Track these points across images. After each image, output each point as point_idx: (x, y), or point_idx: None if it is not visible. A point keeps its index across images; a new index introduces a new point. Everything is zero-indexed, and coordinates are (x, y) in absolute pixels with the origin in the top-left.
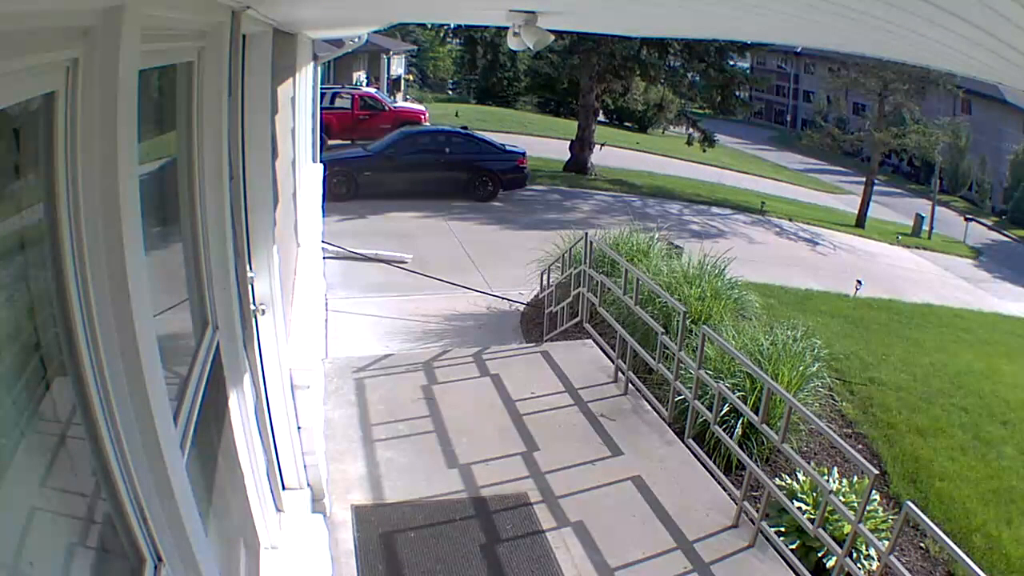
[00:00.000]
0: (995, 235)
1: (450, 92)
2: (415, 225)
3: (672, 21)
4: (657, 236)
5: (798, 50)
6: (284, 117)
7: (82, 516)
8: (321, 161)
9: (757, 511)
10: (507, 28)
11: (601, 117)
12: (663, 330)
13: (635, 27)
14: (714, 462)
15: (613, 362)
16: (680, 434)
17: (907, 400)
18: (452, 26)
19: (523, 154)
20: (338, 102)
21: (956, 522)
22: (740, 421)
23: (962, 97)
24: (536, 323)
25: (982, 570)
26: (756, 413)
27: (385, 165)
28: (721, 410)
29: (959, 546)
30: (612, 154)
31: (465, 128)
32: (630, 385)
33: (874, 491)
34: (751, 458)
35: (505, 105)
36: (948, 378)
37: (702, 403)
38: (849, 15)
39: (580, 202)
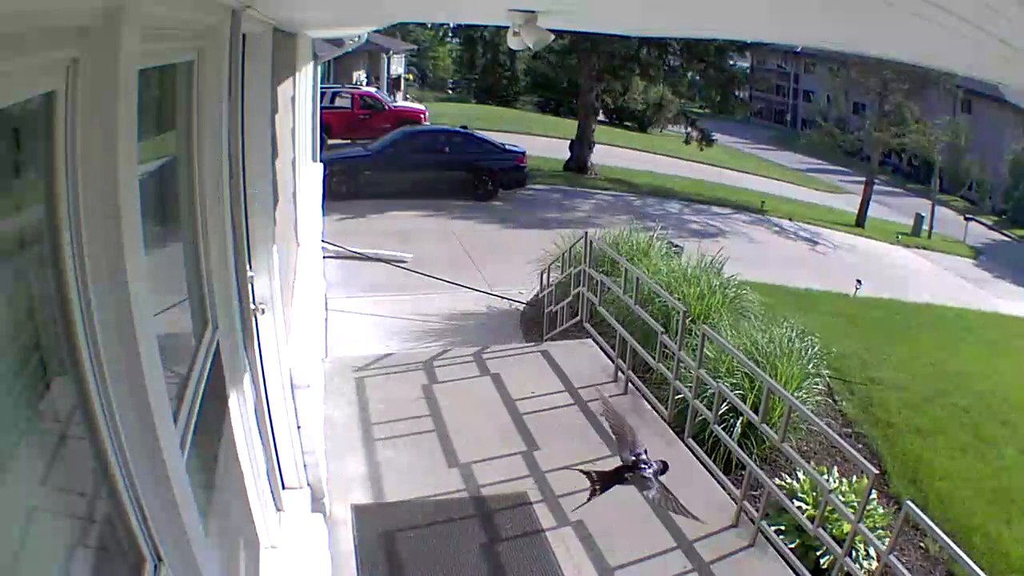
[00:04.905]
0: (995, 235)
1: (450, 92)
2: (415, 224)
3: (672, 19)
4: (657, 235)
5: (798, 50)
6: (284, 117)
7: (82, 516)
8: (321, 160)
9: (757, 510)
10: (507, 27)
11: (601, 116)
12: (663, 329)
13: (635, 27)
14: (714, 461)
15: (613, 361)
16: (680, 433)
17: (907, 400)
18: (452, 26)
19: (523, 153)
20: (338, 101)
21: (956, 522)
22: (740, 420)
23: (962, 97)
24: (536, 322)
25: (982, 570)
26: (756, 412)
27: (385, 164)
28: (720, 409)
29: (959, 546)
30: (612, 153)
31: (465, 127)
32: (630, 384)
33: (874, 491)
34: (751, 457)
35: (505, 105)
36: (948, 378)
37: (702, 402)
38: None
39: (580, 201)
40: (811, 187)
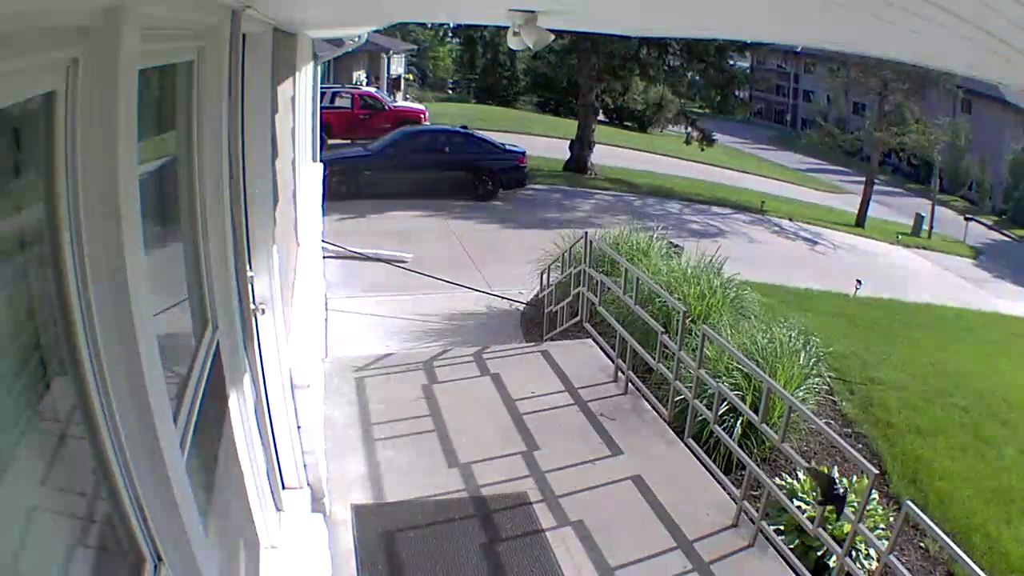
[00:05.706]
0: (995, 235)
1: (450, 92)
2: (415, 224)
3: (672, 19)
4: (657, 235)
5: (798, 50)
6: (284, 117)
7: (82, 516)
8: (321, 160)
9: (757, 511)
10: (507, 27)
11: (601, 116)
12: (663, 329)
13: (635, 27)
14: (714, 461)
15: (613, 361)
16: (680, 433)
17: (907, 400)
18: (452, 26)
19: (523, 153)
20: (338, 101)
21: (956, 522)
22: (740, 420)
23: (962, 97)
24: (536, 322)
25: (982, 570)
26: (756, 412)
27: (385, 164)
28: (720, 409)
29: (959, 546)
30: (612, 153)
31: (465, 127)
32: (630, 384)
33: (874, 491)
34: (751, 457)
35: (505, 105)
36: (948, 378)
37: (702, 402)
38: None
39: (580, 201)
40: (811, 187)
